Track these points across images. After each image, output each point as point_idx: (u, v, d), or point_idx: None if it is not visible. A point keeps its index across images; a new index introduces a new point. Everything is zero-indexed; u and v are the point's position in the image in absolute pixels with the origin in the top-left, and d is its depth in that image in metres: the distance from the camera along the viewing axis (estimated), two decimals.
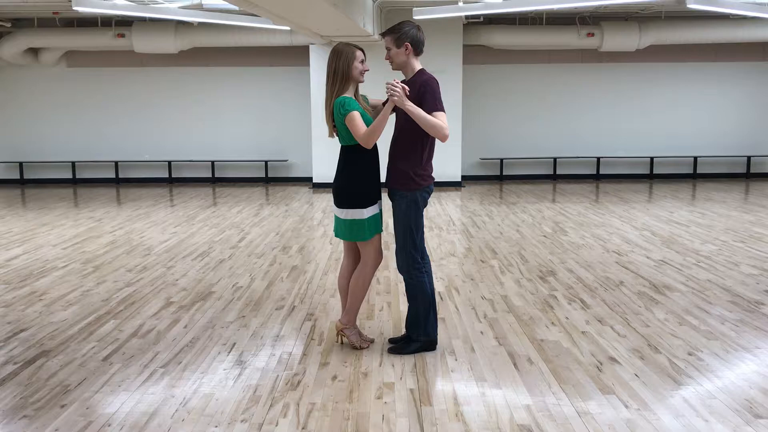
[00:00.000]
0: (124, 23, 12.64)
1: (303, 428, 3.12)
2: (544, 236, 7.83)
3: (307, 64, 12.55)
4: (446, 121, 3.77)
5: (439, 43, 12.18)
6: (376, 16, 10.79)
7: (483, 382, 3.63)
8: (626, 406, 3.30)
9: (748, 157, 14.01)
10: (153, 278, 6.02)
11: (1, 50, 12.75)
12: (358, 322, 4.65)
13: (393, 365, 3.87)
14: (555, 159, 13.90)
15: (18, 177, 14.14)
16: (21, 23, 12.81)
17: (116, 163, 14.00)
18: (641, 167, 14.12)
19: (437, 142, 3.89)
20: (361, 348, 4.10)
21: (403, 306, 5.05)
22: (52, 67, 13.84)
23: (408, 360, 3.94)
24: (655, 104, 13.92)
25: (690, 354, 4.01)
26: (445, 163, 12.63)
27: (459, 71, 12.43)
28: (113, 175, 14.11)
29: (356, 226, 3.93)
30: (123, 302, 5.25)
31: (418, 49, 3.89)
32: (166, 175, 14.11)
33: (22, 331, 4.58)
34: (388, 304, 5.10)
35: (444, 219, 9.20)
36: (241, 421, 3.20)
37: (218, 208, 10.35)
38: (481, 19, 12.53)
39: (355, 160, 3.92)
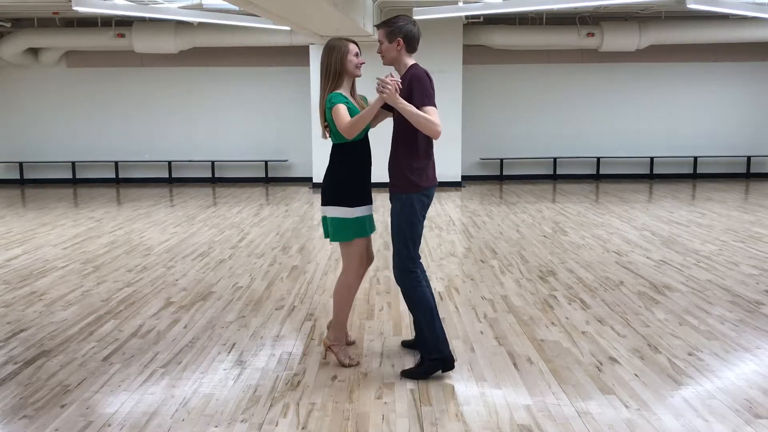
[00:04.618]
0: (124, 23, 12.65)
1: (303, 428, 3.12)
2: (544, 236, 7.83)
3: (307, 64, 12.54)
4: (437, 117, 3.53)
5: (439, 43, 12.18)
6: (376, 16, 10.79)
7: (483, 382, 3.63)
8: (626, 406, 3.30)
9: (748, 157, 14.01)
10: (153, 278, 6.02)
11: (1, 50, 12.75)
12: (359, 323, 4.65)
13: (393, 365, 3.87)
14: (555, 159, 13.90)
15: (18, 177, 14.14)
16: (21, 23, 12.81)
17: (116, 163, 14.00)
18: (641, 167, 14.12)
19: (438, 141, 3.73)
20: (349, 366, 3.86)
21: (403, 305, 5.05)
22: (52, 67, 13.84)
23: (408, 360, 3.94)
24: (655, 104, 13.93)
25: (690, 354, 4.01)
26: (445, 163, 12.63)
27: (459, 71, 12.42)
28: (113, 175, 14.11)
29: (341, 226, 3.75)
30: (123, 302, 5.25)
31: (410, 46, 3.68)
32: (166, 175, 14.11)
33: (22, 331, 4.58)
34: (388, 304, 5.10)
35: (444, 219, 9.20)
36: (241, 421, 3.20)
37: (218, 208, 10.35)
38: (481, 19, 12.53)
39: (345, 158, 3.77)
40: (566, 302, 5.14)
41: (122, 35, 12.57)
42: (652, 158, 13.93)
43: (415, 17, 10.25)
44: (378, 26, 3.73)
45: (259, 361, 3.97)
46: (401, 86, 3.53)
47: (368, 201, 3.83)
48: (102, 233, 8.29)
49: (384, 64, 3.78)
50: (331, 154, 3.83)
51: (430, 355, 3.70)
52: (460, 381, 3.65)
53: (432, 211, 9.90)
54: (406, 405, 3.36)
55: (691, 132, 14.02)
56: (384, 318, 4.76)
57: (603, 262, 6.46)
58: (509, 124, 13.91)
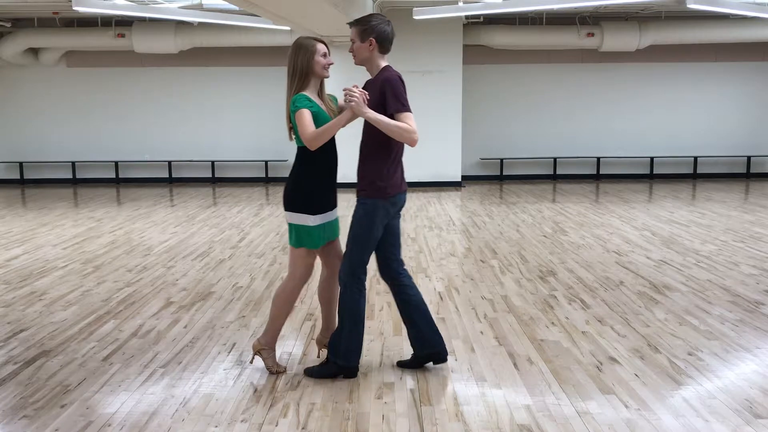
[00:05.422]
0: (124, 23, 12.65)
1: (303, 428, 3.12)
2: (544, 236, 7.83)
3: None
4: (413, 122, 3.38)
5: (439, 43, 12.19)
6: None
7: (483, 382, 3.63)
8: (626, 406, 3.30)
9: (748, 157, 14.02)
10: (153, 278, 6.02)
11: (1, 50, 12.76)
12: None
13: (393, 365, 3.87)
14: (555, 159, 13.90)
15: (18, 177, 14.15)
16: (21, 23, 12.81)
17: (116, 163, 14.00)
18: (641, 167, 14.12)
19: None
20: (277, 373, 3.73)
21: None
22: (52, 67, 13.84)
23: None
24: (655, 104, 13.93)
25: (690, 354, 4.01)
26: (445, 163, 12.64)
27: (459, 71, 12.43)
28: (113, 175, 14.11)
29: (302, 233, 3.60)
30: (123, 302, 5.25)
31: (383, 46, 3.52)
32: (166, 175, 14.11)
33: (22, 331, 4.58)
34: (388, 304, 5.09)
35: (444, 219, 9.20)
36: (241, 421, 3.20)
37: (218, 208, 10.35)
38: (481, 19, 12.54)
39: (309, 162, 3.59)
40: (566, 302, 5.14)
41: (122, 35, 12.58)
42: (652, 158, 13.93)
43: (415, 17, 10.26)
44: (350, 24, 3.59)
45: (260, 361, 3.97)
46: (368, 96, 3.40)
47: (329, 207, 3.68)
48: (102, 233, 8.29)
49: (355, 64, 3.64)
50: (295, 158, 3.68)
51: (336, 360, 3.64)
52: (460, 381, 3.65)
53: (432, 210, 9.90)
54: (406, 405, 3.35)
55: (691, 132, 14.02)
56: (384, 318, 4.76)
57: (603, 262, 6.46)
58: (509, 124, 13.91)
